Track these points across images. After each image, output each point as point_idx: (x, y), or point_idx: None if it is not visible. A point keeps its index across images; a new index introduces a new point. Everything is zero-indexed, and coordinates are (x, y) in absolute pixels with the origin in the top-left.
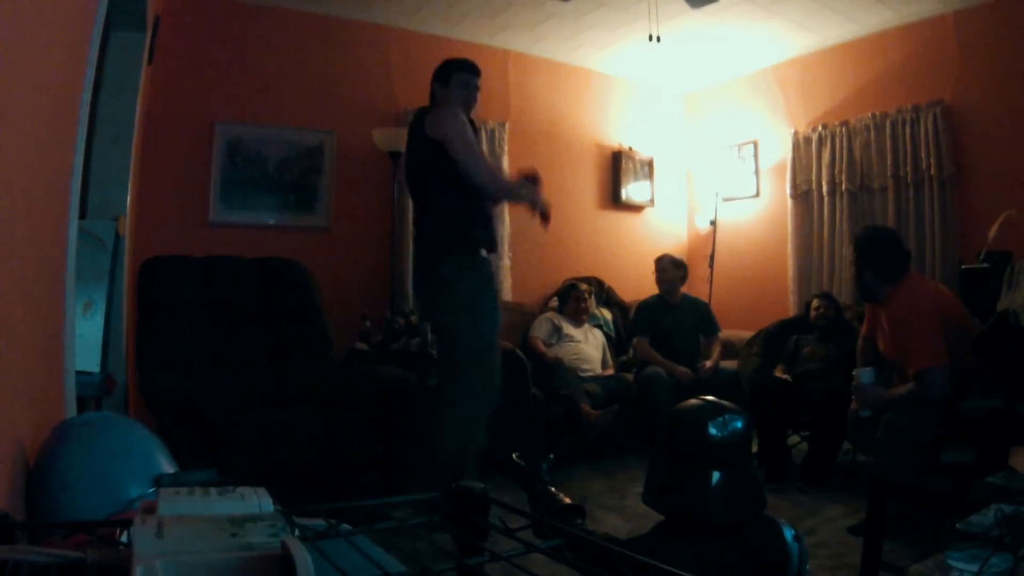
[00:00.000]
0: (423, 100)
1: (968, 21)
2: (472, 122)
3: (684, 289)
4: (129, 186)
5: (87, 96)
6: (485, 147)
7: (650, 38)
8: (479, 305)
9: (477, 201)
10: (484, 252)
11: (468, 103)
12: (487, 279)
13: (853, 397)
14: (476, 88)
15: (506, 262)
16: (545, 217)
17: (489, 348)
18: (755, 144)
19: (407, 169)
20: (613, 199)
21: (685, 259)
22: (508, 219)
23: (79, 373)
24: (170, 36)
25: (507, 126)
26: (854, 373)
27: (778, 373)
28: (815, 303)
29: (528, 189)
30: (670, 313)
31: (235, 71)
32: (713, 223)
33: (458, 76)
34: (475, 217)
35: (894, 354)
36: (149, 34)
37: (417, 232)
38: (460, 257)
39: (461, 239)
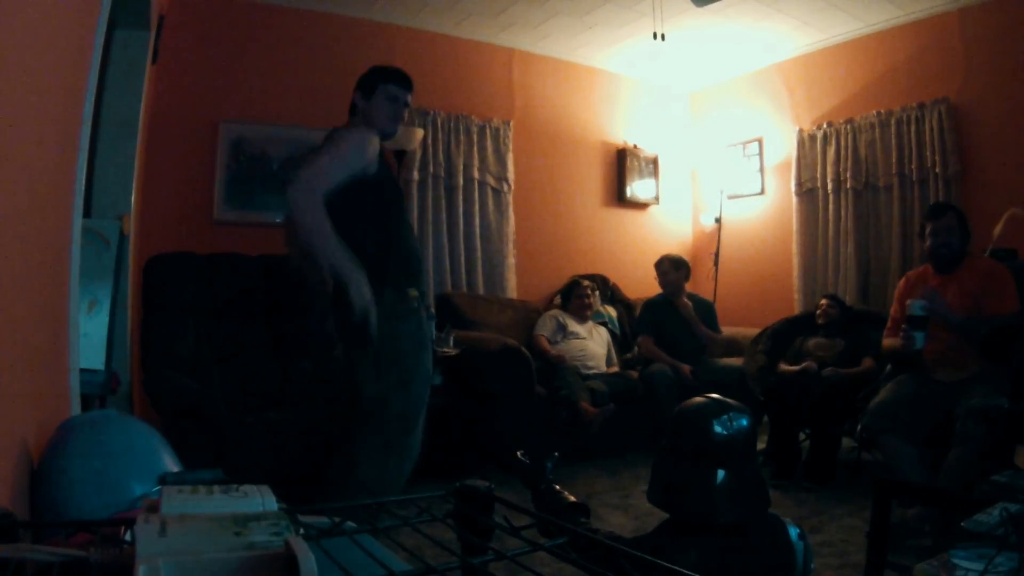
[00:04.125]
0: (426, 99)
1: (973, 18)
2: (382, 152)
3: (689, 287)
4: (133, 185)
5: (91, 95)
6: (489, 145)
7: (654, 36)
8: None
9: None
10: (414, 293)
11: (394, 120)
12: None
13: (903, 335)
14: (405, 104)
15: (511, 260)
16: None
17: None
18: (760, 142)
19: None
20: (618, 197)
21: (690, 257)
22: (513, 217)
23: (83, 371)
24: (174, 35)
25: (511, 124)
26: (908, 302)
27: (783, 365)
28: (822, 302)
29: (360, 288)
30: (675, 312)
31: (239, 70)
32: (718, 221)
33: (384, 88)
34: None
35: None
36: (153, 33)
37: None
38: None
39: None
